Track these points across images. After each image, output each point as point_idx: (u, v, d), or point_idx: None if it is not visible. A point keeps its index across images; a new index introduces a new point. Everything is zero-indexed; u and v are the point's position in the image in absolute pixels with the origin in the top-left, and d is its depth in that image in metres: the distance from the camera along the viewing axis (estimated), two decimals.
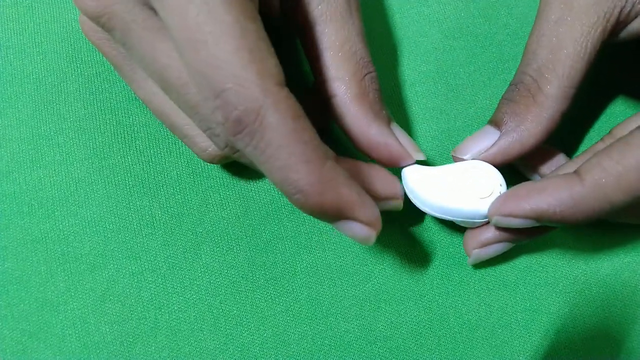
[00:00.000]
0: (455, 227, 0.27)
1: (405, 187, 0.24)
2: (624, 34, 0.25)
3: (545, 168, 0.26)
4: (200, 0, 0.18)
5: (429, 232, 0.27)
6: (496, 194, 0.23)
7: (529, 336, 0.26)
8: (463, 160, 0.25)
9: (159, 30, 0.20)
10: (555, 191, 0.22)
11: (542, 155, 0.26)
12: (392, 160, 0.24)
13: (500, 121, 0.25)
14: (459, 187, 0.24)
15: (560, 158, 0.26)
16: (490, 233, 0.25)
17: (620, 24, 0.24)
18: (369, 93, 0.24)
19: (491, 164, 0.24)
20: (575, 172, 0.22)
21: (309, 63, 0.24)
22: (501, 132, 0.24)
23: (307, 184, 0.19)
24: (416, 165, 0.24)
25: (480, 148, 0.25)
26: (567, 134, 0.29)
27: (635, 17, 0.24)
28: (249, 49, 0.18)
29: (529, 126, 0.24)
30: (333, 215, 0.20)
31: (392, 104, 0.29)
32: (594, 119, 0.29)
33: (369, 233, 0.21)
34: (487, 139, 0.25)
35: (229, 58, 0.18)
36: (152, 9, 0.20)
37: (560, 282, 0.27)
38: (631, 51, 0.29)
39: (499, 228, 0.25)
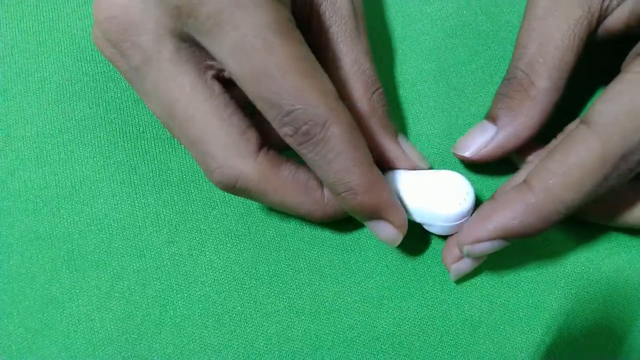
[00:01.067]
0: None
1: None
2: (601, 29, 0.25)
3: (534, 157, 0.27)
4: (258, 39, 0.20)
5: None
6: (461, 201, 0.24)
7: (531, 333, 0.26)
8: (464, 156, 0.26)
9: (184, 63, 0.22)
10: (510, 205, 0.22)
11: (532, 145, 0.27)
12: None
13: (496, 116, 0.26)
14: (427, 192, 0.25)
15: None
16: None
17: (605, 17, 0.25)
18: (377, 109, 0.25)
19: (490, 158, 0.25)
20: (525, 181, 0.23)
21: None
22: (498, 127, 0.25)
23: (357, 185, 0.22)
24: (399, 170, 0.26)
25: (479, 143, 0.26)
26: (554, 126, 0.29)
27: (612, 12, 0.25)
28: (310, 74, 0.21)
29: (523, 120, 0.25)
30: (371, 213, 0.23)
31: (393, 103, 0.29)
32: (579, 111, 0.30)
33: (397, 235, 0.24)
34: (485, 134, 0.26)
35: (296, 85, 0.20)
36: (187, 41, 0.21)
37: (562, 279, 0.27)
38: (612, 46, 0.29)
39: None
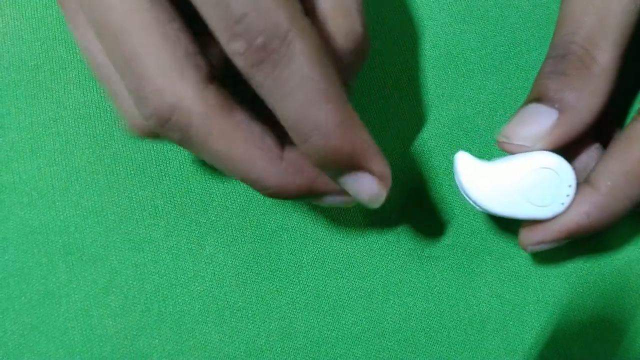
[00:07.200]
0: (463, 220, 0.27)
1: (459, 181, 0.23)
2: None
3: (580, 160, 0.24)
4: None
5: (438, 223, 0.27)
6: (564, 199, 0.22)
7: (541, 328, 0.26)
8: (523, 146, 0.22)
9: None
10: (576, 208, 0.22)
11: (577, 143, 0.24)
12: None
13: (554, 98, 0.22)
14: (526, 191, 0.22)
15: (596, 149, 0.24)
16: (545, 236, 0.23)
17: None
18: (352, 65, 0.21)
19: (553, 148, 0.22)
20: (587, 182, 0.22)
21: None
22: (559, 110, 0.22)
23: (328, 123, 0.17)
24: (468, 156, 0.23)
25: (538, 131, 0.22)
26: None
27: None
28: None
29: (588, 102, 0.22)
30: (347, 162, 0.18)
31: (399, 90, 0.28)
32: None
33: (380, 189, 0.19)
34: (543, 120, 0.22)
35: None
36: None
37: (573, 274, 0.26)
38: None
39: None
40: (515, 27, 0.29)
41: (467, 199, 0.23)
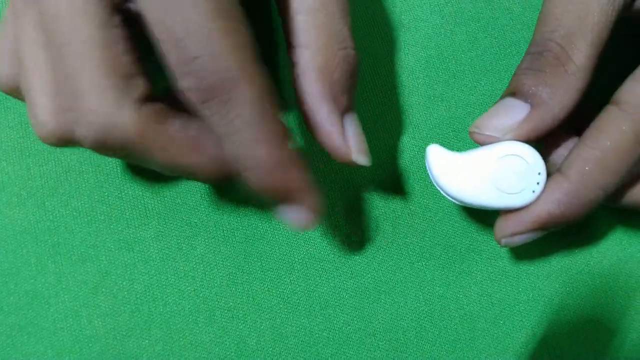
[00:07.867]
0: (454, 220, 0.27)
1: (430, 172, 0.23)
2: (635, 7, 0.24)
3: (559, 154, 0.24)
4: None
5: (428, 223, 0.27)
6: (534, 187, 0.22)
7: (531, 328, 0.26)
8: (492, 137, 0.23)
9: None
10: (547, 196, 0.22)
11: (556, 138, 0.24)
12: (331, 151, 0.22)
13: (528, 93, 0.23)
14: (495, 179, 0.22)
15: (574, 142, 0.24)
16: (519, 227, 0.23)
17: None
18: (334, 71, 0.21)
19: (522, 140, 0.22)
20: (559, 170, 0.22)
21: (282, 27, 0.23)
22: (531, 105, 0.22)
23: (266, 162, 0.19)
24: (439, 148, 0.23)
25: (509, 123, 0.22)
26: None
27: None
28: (225, 16, 0.18)
29: (560, 98, 0.22)
30: (279, 197, 0.20)
31: (390, 91, 0.28)
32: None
33: (309, 221, 0.21)
34: (515, 113, 0.23)
35: (206, 24, 0.17)
36: None
37: (563, 273, 0.26)
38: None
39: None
40: (505, 28, 0.30)
41: (440, 190, 0.23)
